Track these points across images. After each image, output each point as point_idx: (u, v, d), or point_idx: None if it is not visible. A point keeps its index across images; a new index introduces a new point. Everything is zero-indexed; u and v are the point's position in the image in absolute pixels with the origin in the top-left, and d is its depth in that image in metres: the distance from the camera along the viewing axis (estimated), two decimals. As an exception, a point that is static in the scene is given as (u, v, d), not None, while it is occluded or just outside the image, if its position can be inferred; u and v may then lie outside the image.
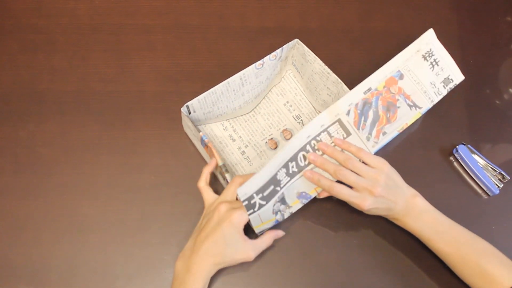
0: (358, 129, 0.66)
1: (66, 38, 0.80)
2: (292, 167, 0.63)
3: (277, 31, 0.73)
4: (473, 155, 0.73)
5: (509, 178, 0.73)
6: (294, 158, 0.63)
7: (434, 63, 0.68)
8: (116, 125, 0.74)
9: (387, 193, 0.61)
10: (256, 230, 0.62)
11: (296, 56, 0.74)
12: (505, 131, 0.79)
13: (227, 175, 0.63)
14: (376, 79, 0.67)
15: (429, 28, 0.69)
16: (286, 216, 0.64)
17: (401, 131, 0.67)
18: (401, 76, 0.67)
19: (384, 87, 0.66)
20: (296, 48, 0.73)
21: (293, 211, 0.64)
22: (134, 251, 0.67)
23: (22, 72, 0.77)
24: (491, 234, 0.67)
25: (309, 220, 0.70)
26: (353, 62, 0.81)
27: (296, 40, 0.71)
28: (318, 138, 0.64)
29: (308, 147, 0.64)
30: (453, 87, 0.67)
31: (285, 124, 0.76)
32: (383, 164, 0.62)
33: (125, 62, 0.79)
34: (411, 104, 0.66)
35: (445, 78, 0.67)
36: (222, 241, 0.58)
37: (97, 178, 0.71)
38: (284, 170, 0.62)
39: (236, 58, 0.75)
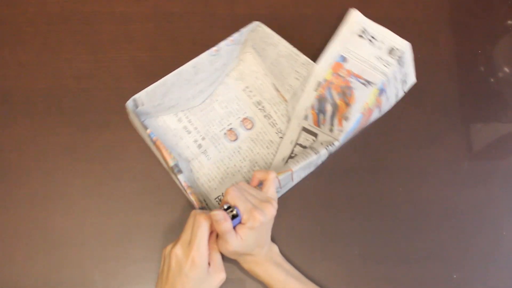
0: (319, 126, 0.66)
1: (34, 29, 0.73)
2: None
3: (269, 19, 0.68)
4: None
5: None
6: None
7: (372, 39, 0.66)
8: (92, 126, 0.68)
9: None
10: None
11: (256, 40, 0.69)
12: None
13: (180, 176, 0.58)
14: (321, 70, 0.65)
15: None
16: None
17: (364, 112, 0.63)
18: (345, 60, 0.65)
19: (332, 74, 0.64)
20: (257, 31, 0.67)
21: None
22: (115, 268, 0.62)
23: (-15, 69, 0.70)
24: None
25: (304, 230, 0.65)
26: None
27: (257, 22, 0.66)
28: (292, 155, 0.66)
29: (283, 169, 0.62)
30: (401, 55, 0.65)
31: (245, 111, 0.70)
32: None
33: (100, 55, 0.72)
34: (364, 82, 0.64)
35: (388, 50, 0.66)
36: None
37: (73, 186, 0.65)
38: None
39: (223, 49, 0.69)
